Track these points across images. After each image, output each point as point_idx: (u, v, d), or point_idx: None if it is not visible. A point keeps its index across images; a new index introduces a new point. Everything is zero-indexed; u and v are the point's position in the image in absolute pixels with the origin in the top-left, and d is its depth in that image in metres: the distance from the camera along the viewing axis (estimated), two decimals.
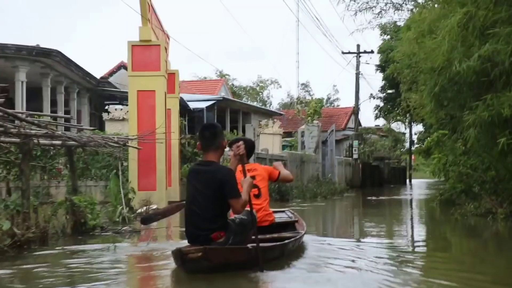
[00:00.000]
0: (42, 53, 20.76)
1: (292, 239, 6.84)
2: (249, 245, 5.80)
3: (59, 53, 21.00)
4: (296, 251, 7.00)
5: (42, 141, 9.80)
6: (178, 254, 5.43)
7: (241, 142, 6.15)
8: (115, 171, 12.43)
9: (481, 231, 11.02)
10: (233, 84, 52.51)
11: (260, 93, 58.08)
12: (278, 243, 6.51)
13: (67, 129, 13.66)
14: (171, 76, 17.88)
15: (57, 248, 7.72)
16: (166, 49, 16.38)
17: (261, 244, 5.88)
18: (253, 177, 6.75)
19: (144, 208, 12.54)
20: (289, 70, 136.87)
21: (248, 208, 6.10)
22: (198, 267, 5.40)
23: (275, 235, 7.05)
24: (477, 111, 10.31)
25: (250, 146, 6.95)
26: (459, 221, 12.13)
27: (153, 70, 14.73)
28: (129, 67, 15.00)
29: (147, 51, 14.83)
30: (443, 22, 10.65)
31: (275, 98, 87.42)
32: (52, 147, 11.48)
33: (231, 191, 5.67)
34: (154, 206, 13.35)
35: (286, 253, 6.55)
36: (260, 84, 57.87)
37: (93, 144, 9.98)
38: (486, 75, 10.17)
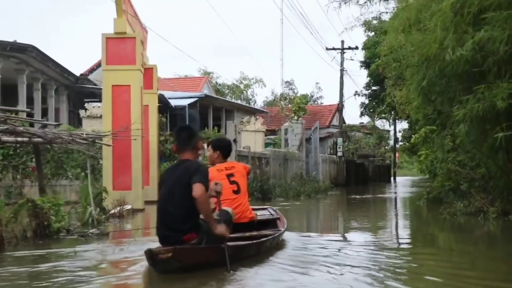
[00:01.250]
0: (17, 49, 20.14)
1: (270, 237, 6.77)
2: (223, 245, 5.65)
3: (34, 48, 20.34)
4: (274, 248, 6.87)
5: (5, 138, 9.18)
6: (149, 254, 5.32)
7: (220, 187, 5.93)
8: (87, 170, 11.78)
9: (472, 230, 10.57)
10: (216, 82, 51.86)
11: (245, 91, 57.43)
12: (254, 241, 6.43)
13: (44, 127, 13.00)
14: (149, 71, 17.11)
15: (11, 253, 7.00)
16: (143, 42, 15.70)
17: (237, 243, 6.02)
18: (231, 174, 7.05)
19: (118, 208, 11.91)
20: (273, 67, 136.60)
21: (225, 208, 6.31)
22: (169, 268, 5.33)
23: (254, 232, 6.97)
24: (467, 105, 9.76)
25: (227, 147, 7.43)
26: (448, 220, 11.63)
27: (128, 64, 14.03)
28: (103, 61, 14.31)
29: (122, 44, 14.13)
30: (433, 6, 10.06)
31: (260, 96, 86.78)
32: (18, 145, 10.78)
33: (198, 177, 5.59)
34: (129, 207, 12.72)
35: (262, 250, 6.48)
36: (244, 82, 57.23)
37: (60, 141, 9.31)
38: (478, 65, 9.61)
